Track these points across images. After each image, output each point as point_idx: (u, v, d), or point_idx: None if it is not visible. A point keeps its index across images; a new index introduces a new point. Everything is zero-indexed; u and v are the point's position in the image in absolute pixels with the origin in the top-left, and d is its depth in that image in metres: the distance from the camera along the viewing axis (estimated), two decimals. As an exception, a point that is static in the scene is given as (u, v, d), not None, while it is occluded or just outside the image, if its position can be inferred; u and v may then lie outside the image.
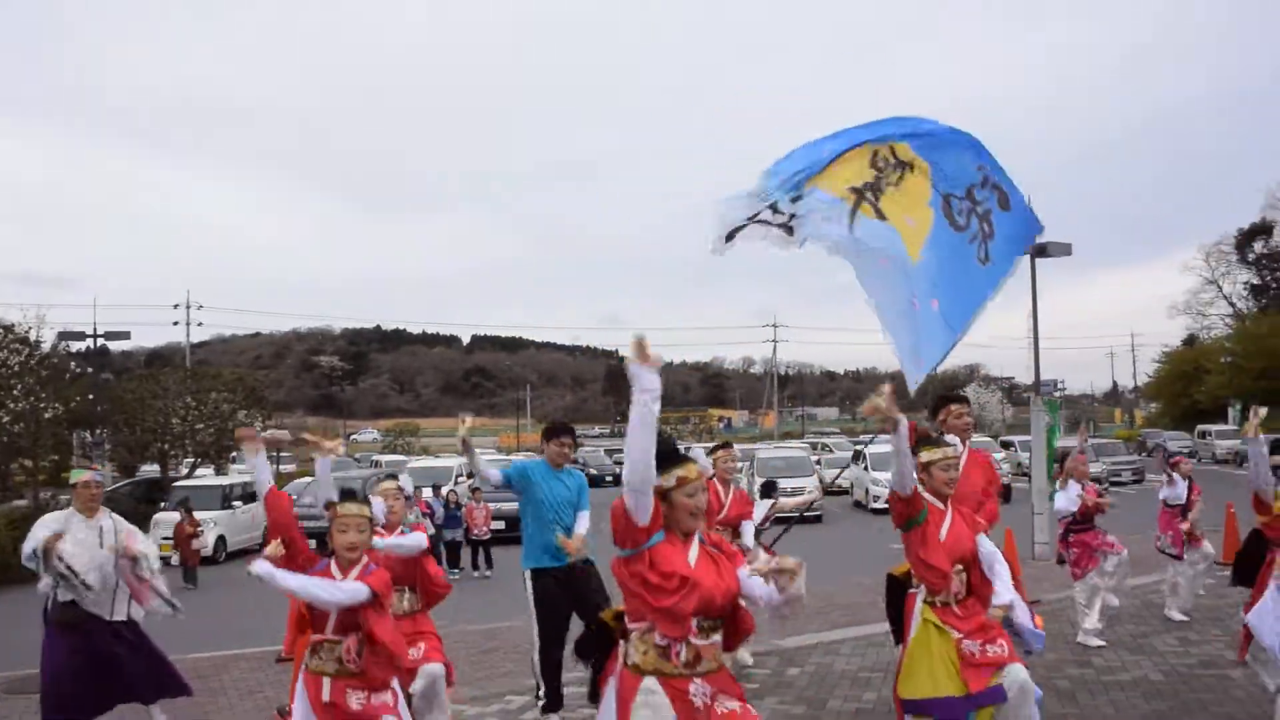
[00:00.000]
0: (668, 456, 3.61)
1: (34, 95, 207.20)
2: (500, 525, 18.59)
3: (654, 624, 3.47)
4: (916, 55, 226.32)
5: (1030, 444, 17.19)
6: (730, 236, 5.85)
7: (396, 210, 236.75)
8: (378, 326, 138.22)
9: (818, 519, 24.05)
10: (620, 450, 59.22)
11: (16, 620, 12.00)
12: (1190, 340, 67.03)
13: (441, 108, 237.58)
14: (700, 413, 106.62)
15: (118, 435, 31.87)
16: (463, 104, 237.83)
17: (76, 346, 32.02)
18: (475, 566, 17.71)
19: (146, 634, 6.81)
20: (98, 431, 29.72)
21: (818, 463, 31.94)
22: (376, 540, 5.72)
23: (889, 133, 6.39)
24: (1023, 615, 5.11)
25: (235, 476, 28.40)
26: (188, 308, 58.19)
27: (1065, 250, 16.63)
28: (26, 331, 25.84)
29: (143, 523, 23.26)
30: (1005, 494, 24.93)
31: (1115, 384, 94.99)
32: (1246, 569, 6.43)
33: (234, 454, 37.23)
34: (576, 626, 6.93)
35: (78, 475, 6.67)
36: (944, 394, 6.37)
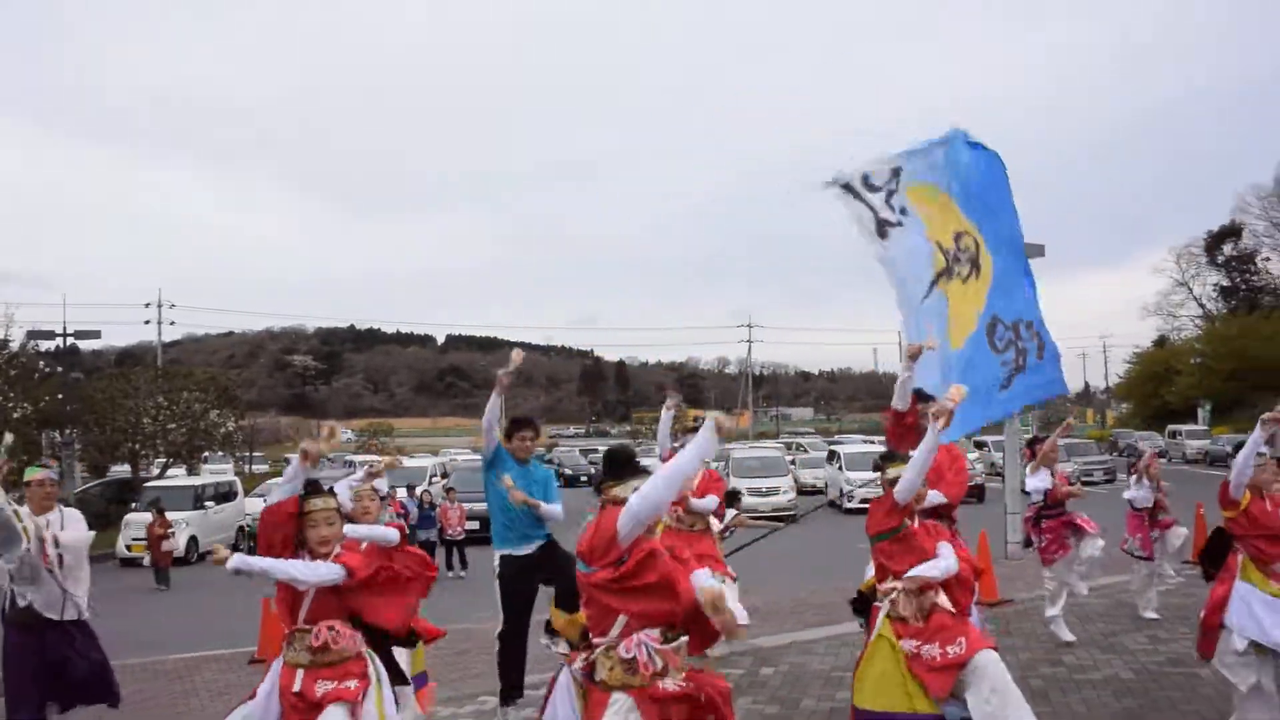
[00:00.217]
0: (626, 467, 3.62)
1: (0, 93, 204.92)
2: (474, 525, 18.50)
3: (619, 637, 3.47)
4: (916, 55, 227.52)
5: (1003, 444, 17.30)
6: (847, 187, 6.32)
7: (372, 209, 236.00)
8: (351, 326, 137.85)
9: (793, 519, 24.13)
10: (595, 450, 58.92)
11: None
12: (1161, 341, 67.67)
13: (413, 108, 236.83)
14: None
15: (88, 435, 31.56)
16: (433, 104, 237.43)
17: (46, 345, 31.75)
18: (449, 567, 17.67)
19: (96, 635, 6.74)
20: (67, 431, 29.45)
21: (792, 463, 32.05)
22: (351, 528, 5.76)
23: (970, 183, 7.05)
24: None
25: (207, 477, 28.27)
26: (159, 306, 57.85)
27: (1038, 252, 16.71)
28: (-6, 330, 25.60)
29: (114, 523, 23.14)
30: (979, 494, 25.19)
31: (1087, 384, 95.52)
32: (1212, 564, 6.46)
33: (205, 454, 37.03)
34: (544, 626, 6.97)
35: (31, 473, 6.63)
36: (915, 390, 6.39)
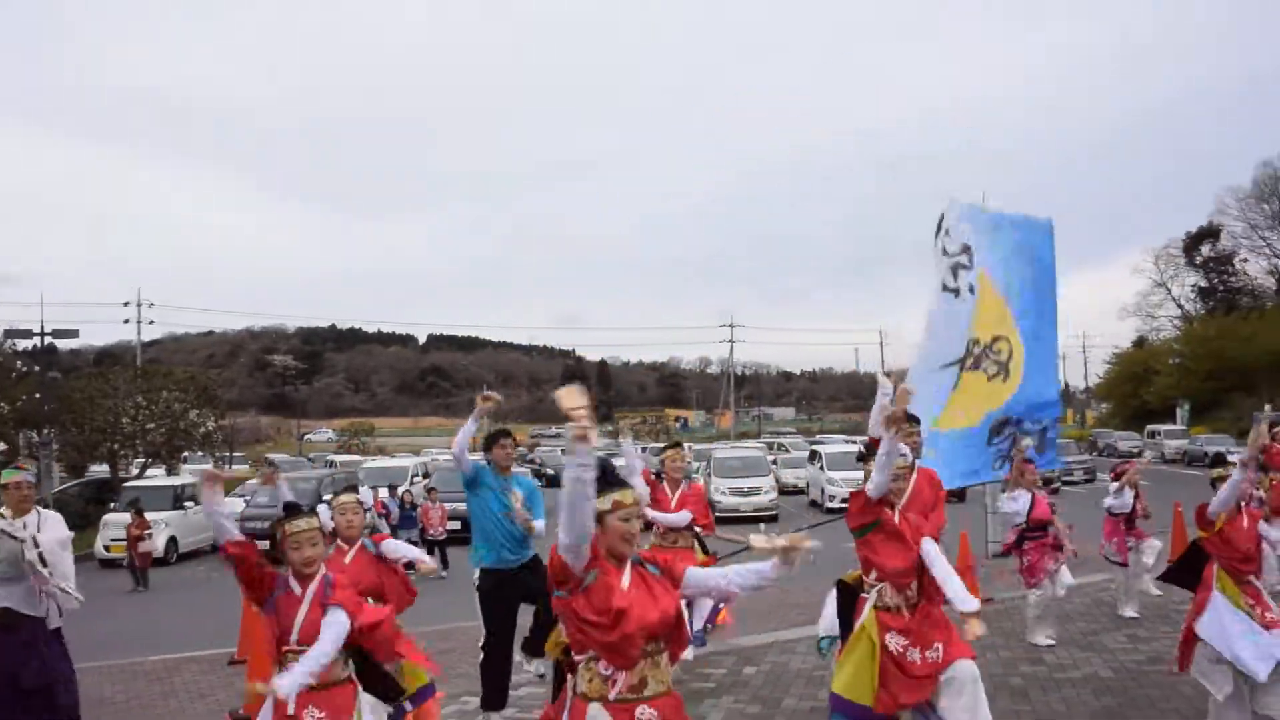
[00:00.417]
0: (605, 480, 3.63)
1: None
2: (456, 525, 18.45)
3: (599, 654, 3.48)
4: (916, 55, 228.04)
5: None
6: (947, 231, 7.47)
7: (354, 209, 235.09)
8: (333, 325, 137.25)
9: (773, 519, 24.17)
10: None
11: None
12: (1140, 342, 68.12)
13: (404, 107, 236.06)
14: (657, 413, 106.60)
15: (66, 435, 31.34)
16: (424, 104, 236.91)
17: (23, 345, 31.49)
18: (431, 567, 17.60)
19: (66, 644, 6.68)
20: (45, 431, 29.23)
21: (774, 463, 32.09)
22: (393, 544, 6.03)
23: (1029, 282, 8.09)
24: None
25: (187, 477, 28.05)
26: (139, 305, 57.53)
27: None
28: (-30, 330, 25.38)
29: (93, 524, 22.98)
30: (960, 494, 25.25)
31: (1067, 384, 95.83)
32: (1184, 577, 6.50)
33: (185, 454, 36.80)
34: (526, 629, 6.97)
35: (8, 476, 6.56)
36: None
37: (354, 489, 6.36)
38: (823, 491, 26.13)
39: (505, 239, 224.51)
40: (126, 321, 58.27)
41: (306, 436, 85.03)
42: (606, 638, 3.44)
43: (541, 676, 7.09)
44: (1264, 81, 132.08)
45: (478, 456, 7.09)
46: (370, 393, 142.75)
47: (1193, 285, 67.36)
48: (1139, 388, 60.08)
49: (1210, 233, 65.23)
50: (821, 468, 27.08)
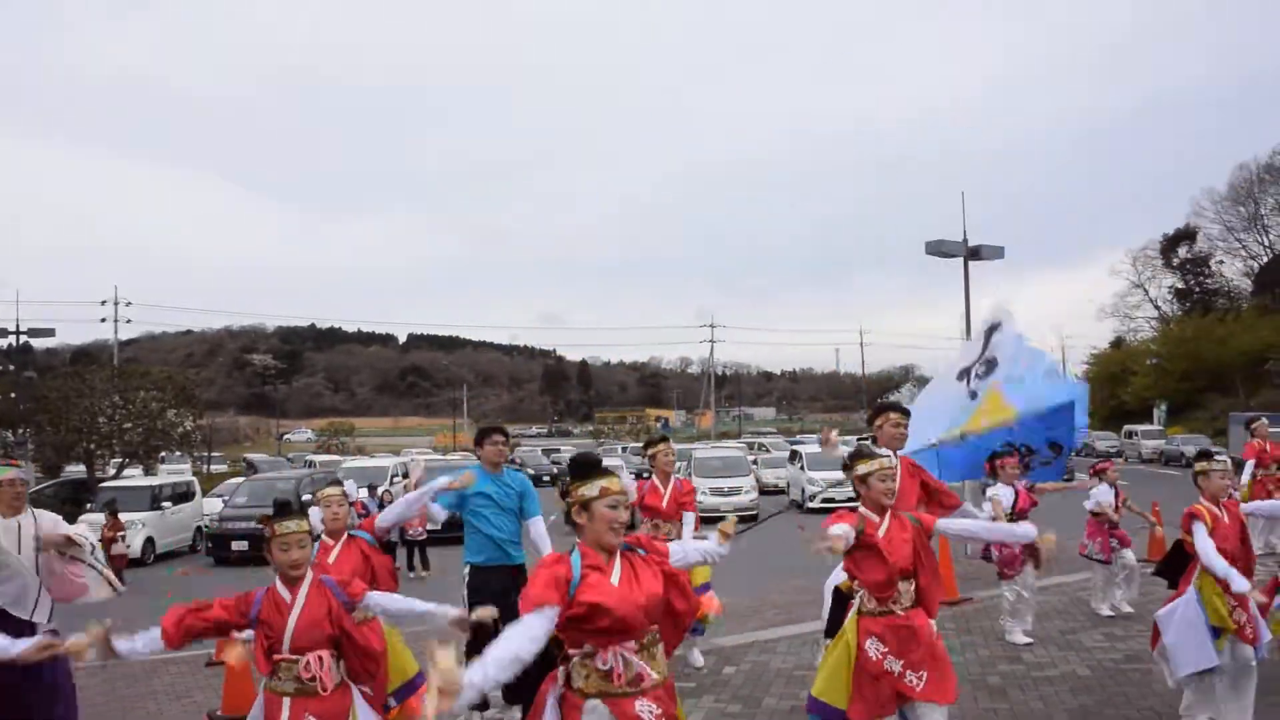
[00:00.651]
0: (592, 467, 3.62)
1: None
2: (436, 525, 18.38)
3: (595, 648, 3.47)
4: (916, 55, 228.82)
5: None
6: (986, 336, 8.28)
7: (335, 208, 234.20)
8: (312, 324, 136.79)
9: (753, 519, 24.21)
10: (557, 450, 58.58)
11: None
12: (1117, 342, 68.64)
13: (398, 107, 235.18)
14: (637, 412, 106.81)
15: (42, 434, 31.13)
16: (419, 104, 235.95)
17: (-2, 343, 31.26)
18: (410, 567, 17.54)
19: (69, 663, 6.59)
20: (20, 430, 29.03)
21: (754, 463, 32.14)
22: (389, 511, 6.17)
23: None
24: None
25: (164, 477, 27.89)
26: (115, 304, 57.10)
27: (998, 254, 16.94)
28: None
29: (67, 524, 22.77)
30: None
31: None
32: (1172, 574, 6.60)
33: (163, 454, 36.58)
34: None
35: (0, 474, 6.47)
36: (885, 402, 6.45)
37: (338, 482, 6.35)
38: (803, 491, 26.18)
39: (487, 238, 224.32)
40: (103, 320, 58.07)
41: (285, 436, 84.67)
42: (600, 624, 3.42)
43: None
44: (1240, 85, 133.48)
45: (457, 456, 7.06)
46: (350, 392, 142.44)
47: (1170, 287, 67.96)
48: (1116, 388, 60.51)
49: (1187, 235, 65.83)
50: (802, 468, 27.14)
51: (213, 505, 24.25)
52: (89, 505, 23.13)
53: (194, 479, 27.71)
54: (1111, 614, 9.65)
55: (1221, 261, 66.45)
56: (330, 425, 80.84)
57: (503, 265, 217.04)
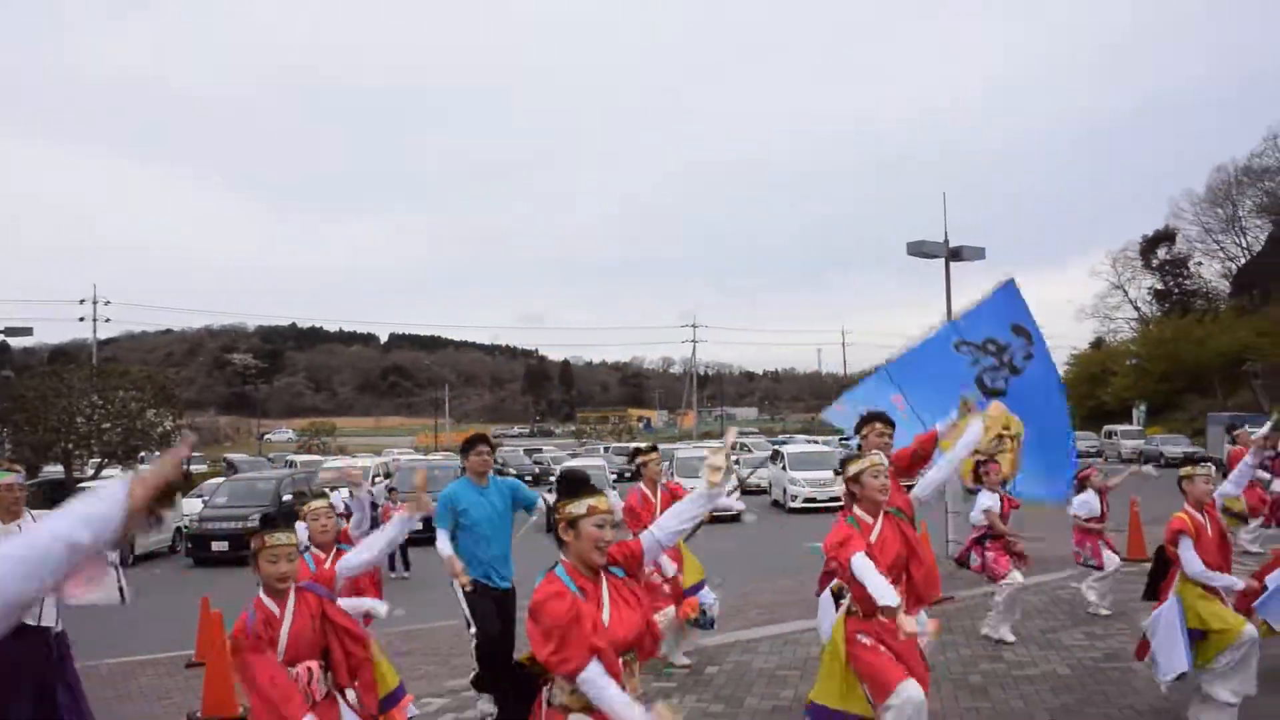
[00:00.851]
0: (580, 485, 3.60)
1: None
2: (418, 526, 18.29)
3: None
4: (916, 55, 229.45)
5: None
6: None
7: (318, 207, 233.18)
8: (293, 324, 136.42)
9: (736, 518, 24.19)
10: (539, 450, 58.43)
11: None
12: (1097, 343, 68.99)
13: (385, 107, 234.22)
14: (620, 413, 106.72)
15: (19, 435, 30.84)
16: (411, 103, 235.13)
17: (-25, 342, 31.02)
18: (392, 568, 17.48)
19: (70, 646, 6.52)
20: (-3, 430, 28.81)
21: (736, 462, 32.15)
22: (351, 555, 5.71)
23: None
24: None
25: (144, 477, 27.62)
26: (94, 303, 56.77)
27: (979, 254, 16.98)
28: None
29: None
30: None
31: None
32: (1153, 582, 6.67)
33: (143, 454, 36.31)
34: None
35: None
36: (871, 412, 6.44)
37: (324, 495, 6.31)
38: (785, 491, 26.20)
39: (486, 238, 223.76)
40: (82, 319, 57.58)
41: (266, 436, 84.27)
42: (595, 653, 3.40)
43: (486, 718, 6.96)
44: (1240, 85, 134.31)
45: (439, 456, 7.04)
46: (331, 392, 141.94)
47: (1149, 288, 68.36)
48: (1096, 388, 60.78)
49: (1166, 236, 66.23)
50: (784, 468, 27.17)
51: (192, 505, 24.13)
52: (67, 506, 22.95)
53: (174, 479, 27.50)
54: (1109, 612, 9.66)
55: (1200, 263, 66.96)
56: (311, 425, 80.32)
57: (502, 265, 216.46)
